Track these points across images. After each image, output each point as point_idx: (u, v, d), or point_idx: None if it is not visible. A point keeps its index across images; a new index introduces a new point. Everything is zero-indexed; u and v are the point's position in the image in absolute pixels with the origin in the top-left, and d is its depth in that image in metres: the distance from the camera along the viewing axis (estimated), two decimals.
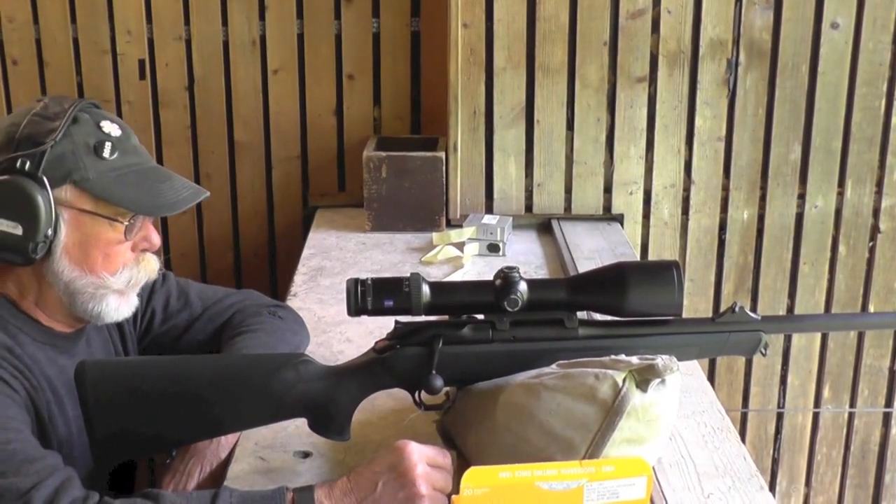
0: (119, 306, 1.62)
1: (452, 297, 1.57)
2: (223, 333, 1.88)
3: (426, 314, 1.54)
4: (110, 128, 1.59)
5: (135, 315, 1.72)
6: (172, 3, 2.95)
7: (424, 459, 1.40)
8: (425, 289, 1.53)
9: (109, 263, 1.59)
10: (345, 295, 1.53)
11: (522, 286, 1.52)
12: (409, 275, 1.54)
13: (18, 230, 1.51)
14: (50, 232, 1.53)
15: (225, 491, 1.38)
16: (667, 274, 1.52)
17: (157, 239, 1.65)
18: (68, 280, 1.57)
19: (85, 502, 1.32)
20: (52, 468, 1.37)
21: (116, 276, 1.60)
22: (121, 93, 3.02)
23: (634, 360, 1.45)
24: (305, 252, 2.69)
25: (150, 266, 1.66)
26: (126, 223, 1.59)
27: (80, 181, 1.54)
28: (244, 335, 1.83)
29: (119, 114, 3.00)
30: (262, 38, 2.98)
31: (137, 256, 1.63)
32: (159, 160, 3.03)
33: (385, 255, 2.65)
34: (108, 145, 1.56)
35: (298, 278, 2.49)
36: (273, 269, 3.18)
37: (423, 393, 1.55)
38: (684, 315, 1.55)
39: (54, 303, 1.61)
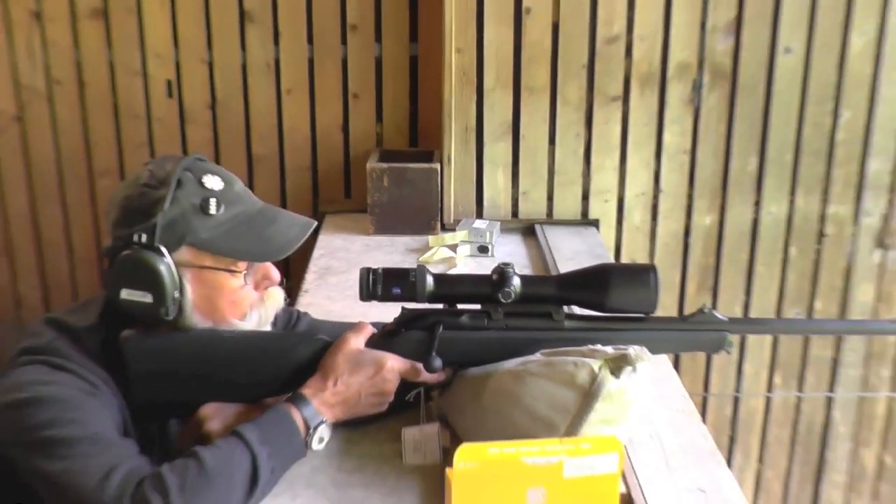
0: None
1: (453, 287, 1.57)
2: None
3: (429, 302, 1.55)
4: (212, 182, 1.51)
5: None
6: (196, 30, 2.95)
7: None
8: (429, 279, 1.54)
9: (237, 309, 1.54)
10: (350, 291, 1.54)
11: (516, 281, 1.53)
12: (415, 266, 1.55)
13: (148, 298, 1.46)
14: (177, 294, 1.48)
15: (243, 428, 1.39)
16: (645, 276, 1.53)
17: (276, 274, 1.60)
18: None
19: (146, 477, 1.31)
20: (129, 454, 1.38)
21: (247, 319, 1.56)
22: (151, 111, 3.02)
23: (609, 349, 1.46)
24: (315, 253, 2.68)
25: (275, 299, 1.61)
26: (244, 270, 1.54)
27: (195, 242, 1.49)
28: None
29: (149, 130, 3.02)
30: (277, 62, 2.98)
31: (262, 294, 1.58)
32: None
33: (386, 255, 2.65)
34: (212, 202, 1.49)
35: (309, 276, 2.50)
36: (287, 268, 3.17)
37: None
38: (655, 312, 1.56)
39: None
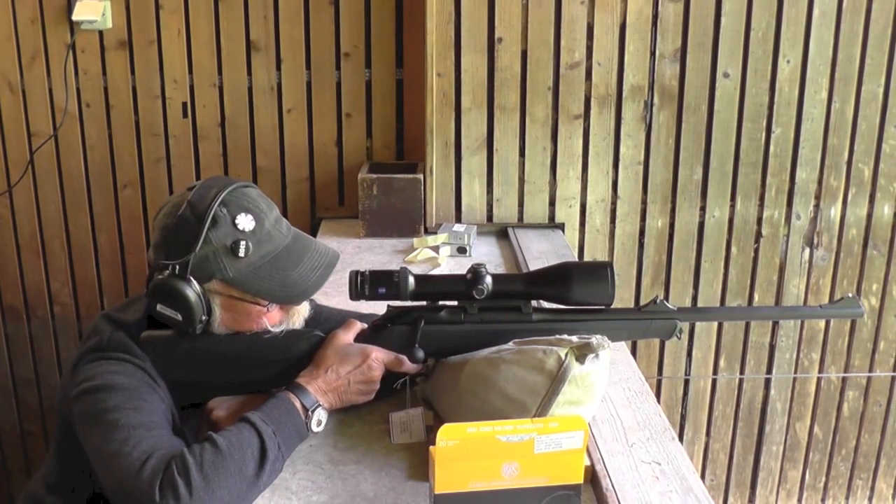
0: None
1: (433, 286, 1.55)
2: None
3: (412, 300, 1.53)
4: (245, 222, 1.46)
5: None
6: (209, 58, 2.91)
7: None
8: (411, 280, 1.51)
9: (262, 327, 1.53)
10: (344, 288, 1.51)
11: (488, 279, 1.51)
12: (398, 268, 1.52)
13: (179, 317, 1.46)
14: (204, 317, 1.48)
15: (249, 413, 1.39)
16: (602, 272, 1.50)
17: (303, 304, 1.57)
18: None
19: (172, 460, 1.30)
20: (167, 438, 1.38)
21: (273, 329, 1.53)
22: (168, 129, 2.97)
23: (574, 339, 1.44)
24: None
25: (301, 312, 1.58)
26: (268, 304, 1.51)
27: (224, 278, 1.46)
28: None
29: (167, 146, 2.97)
30: (279, 85, 2.95)
31: (288, 311, 1.56)
32: None
33: (376, 256, 2.62)
34: (242, 244, 1.45)
35: None
36: None
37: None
38: (614, 304, 1.53)
39: None
